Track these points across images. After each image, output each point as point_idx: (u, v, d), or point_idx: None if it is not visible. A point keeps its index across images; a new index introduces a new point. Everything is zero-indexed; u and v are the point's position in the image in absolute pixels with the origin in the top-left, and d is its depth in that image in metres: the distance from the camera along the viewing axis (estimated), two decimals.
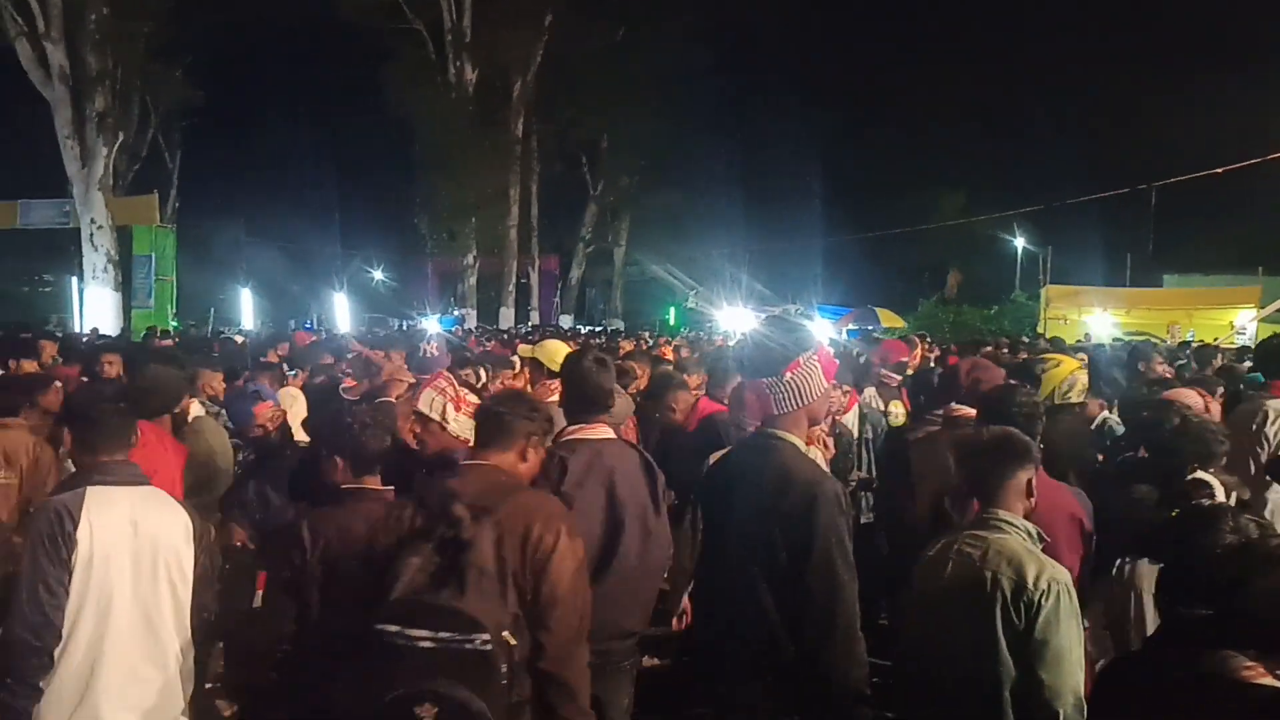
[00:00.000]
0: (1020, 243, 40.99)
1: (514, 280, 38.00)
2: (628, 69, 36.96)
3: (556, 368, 4.80)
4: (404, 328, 28.93)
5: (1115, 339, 22.45)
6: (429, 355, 8.04)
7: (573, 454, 3.65)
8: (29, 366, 7.85)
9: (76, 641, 3.05)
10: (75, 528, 3.05)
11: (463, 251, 35.60)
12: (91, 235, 23.01)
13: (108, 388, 5.71)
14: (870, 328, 29.31)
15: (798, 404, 3.06)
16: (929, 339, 17.40)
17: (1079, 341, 18.01)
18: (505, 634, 2.63)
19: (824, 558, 2.87)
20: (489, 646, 2.58)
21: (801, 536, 2.89)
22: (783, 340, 3.09)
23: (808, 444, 3.41)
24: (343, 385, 6.16)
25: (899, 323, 32.07)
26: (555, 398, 4.41)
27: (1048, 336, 18.71)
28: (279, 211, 39.32)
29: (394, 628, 2.60)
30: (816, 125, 45.27)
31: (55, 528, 3.05)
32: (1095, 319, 26.98)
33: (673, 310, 42.10)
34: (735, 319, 31.35)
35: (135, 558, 3.18)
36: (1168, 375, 7.76)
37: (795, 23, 45.37)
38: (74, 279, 25.64)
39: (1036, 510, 3.09)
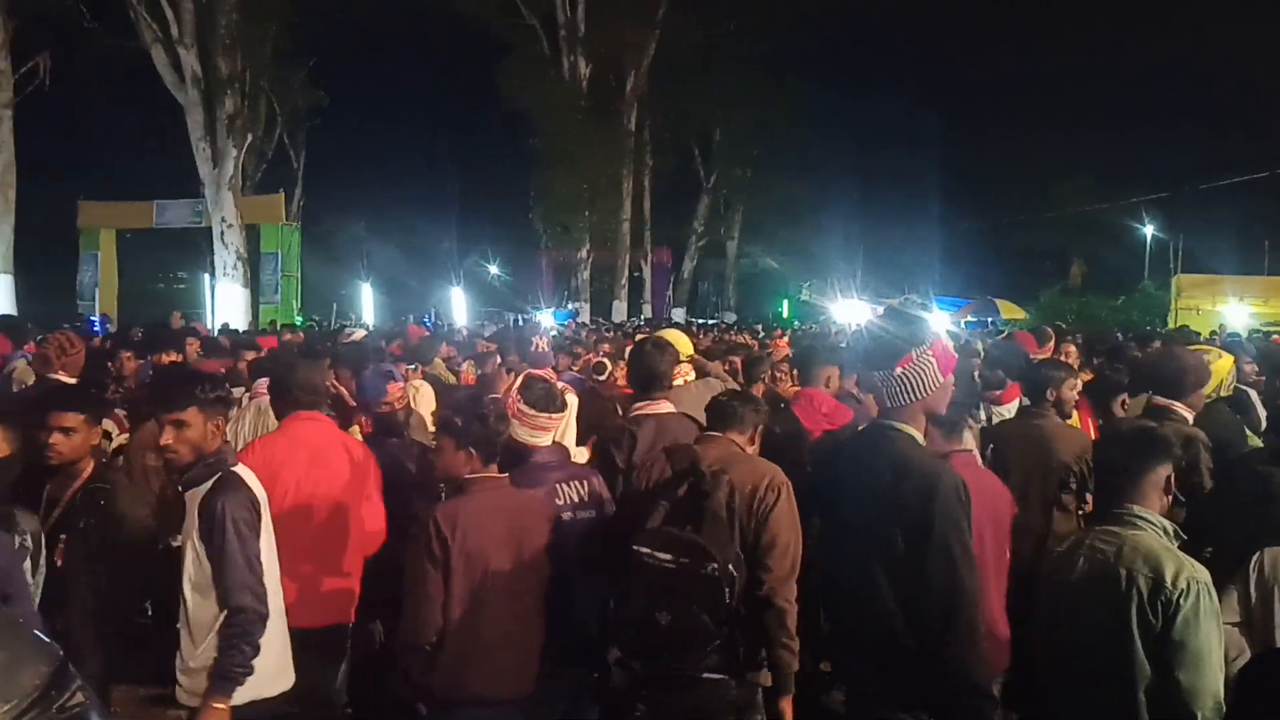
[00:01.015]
0: (1149, 229, 39.18)
1: (627, 274, 38.00)
2: (741, 59, 36.57)
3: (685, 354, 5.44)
4: (518, 322, 29.12)
5: (1253, 330, 21.17)
6: (540, 350, 7.93)
7: (639, 428, 4.40)
8: (170, 359, 7.93)
9: None
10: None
11: (576, 245, 35.74)
12: (222, 234, 23.69)
13: None
14: (990, 319, 28.39)
15: (911, 398, 3.01)
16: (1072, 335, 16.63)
17: (1214, 334, 16.98)
18: (730, 566, 3.34)
19: (942, 549, 2.83)
20: (717, 573, 3.30)
21: (919, 527, 2.85)
22: (896, 333, 3.03)
23: None
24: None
25: (1019, 314, 30.96)
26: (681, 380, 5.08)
27: (1177, 327, 17.74)
28: (398, 208, 40.06)
29: (647, 549, 3.37)
30: (934, 111, 44.15)
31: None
32: (1230, 309, 25.61)
33: (786, 303, 41.53)
34: (849, 311, 30.71)
35: None
36: None
37: (912, 7, 44.20)
38: (206, 275, 26.47)
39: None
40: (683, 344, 5.96)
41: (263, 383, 5.76)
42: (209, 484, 3.37)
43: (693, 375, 6.29)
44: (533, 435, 4.07)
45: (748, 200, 43.38)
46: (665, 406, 4.56)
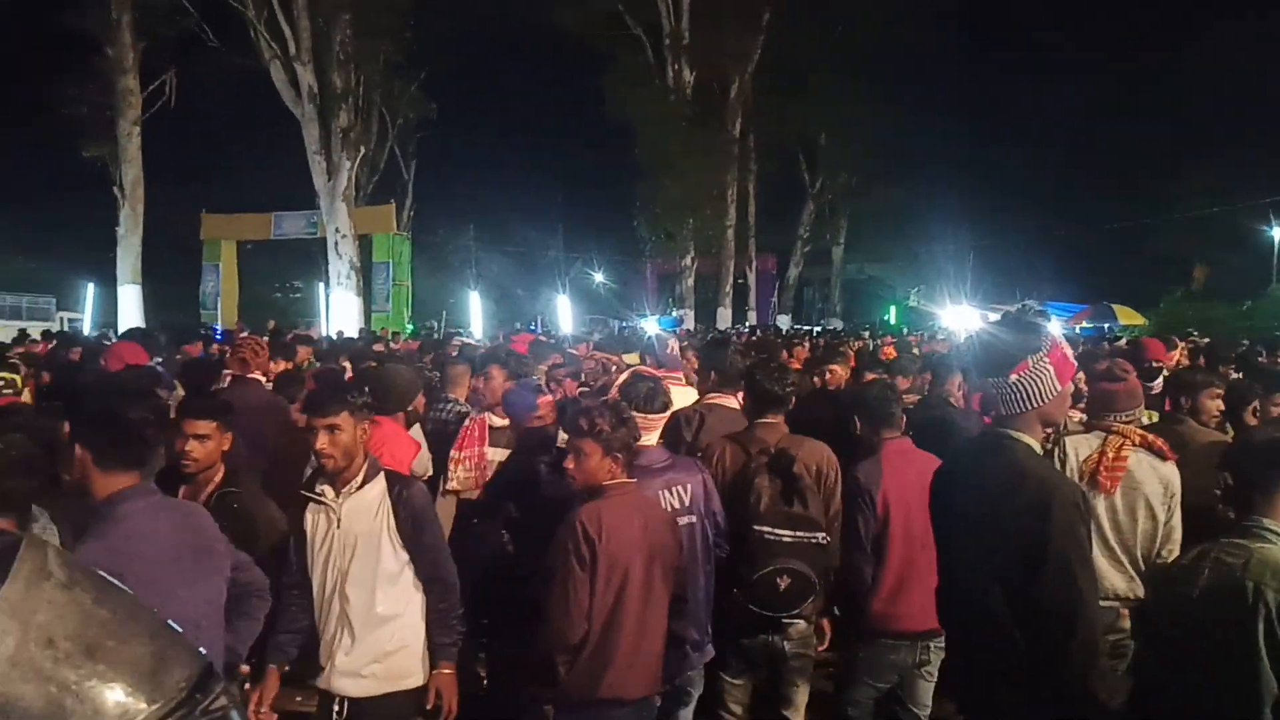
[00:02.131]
0: (1277, 232, 37.41)
1: (731, 280, 37.89)
2: (847, 63, 36.15)
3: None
4: (622, 329, 29.19)
5: None
6: (674, 353, 7.88)
7: (709, 413, 5.06)
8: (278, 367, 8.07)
9: None
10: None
11: (681, 252, 35.73)
12: (336, 244, 24.27)
13: None
14: (1106, 325, 27.44)
15: (1026, 406, 2.94)
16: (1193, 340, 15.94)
17: None
18: (827, 534, 4.10)
19: (1060, 563, 2.75)
20: (825, 540, 4.07)
21: (1035, 540, 2.77)
22: (1010, 340, 2.96)
23: None
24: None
25: (1138, 320, 29.82)
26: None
27: None
28: (505, 217, 40.64)
29: (769, 529, 4.01)
30: (1048, 111, 42.93)
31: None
32: None
33: (893, 309, 40.84)
34: (959, 318, 30.03)
35: None
36: None
37: (1024, 7, 43.10)
38: (320, 285, 27.15)
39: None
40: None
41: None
42: (378, 481, 3.56)
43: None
44: (648, 433, 4.07)
45: (853, 206, 42.87)
46: (731, 401, 5.10)
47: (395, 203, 28.79)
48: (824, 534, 4.03)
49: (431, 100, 30.49)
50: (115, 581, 0.74)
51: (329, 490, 3.56)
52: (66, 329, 18.28)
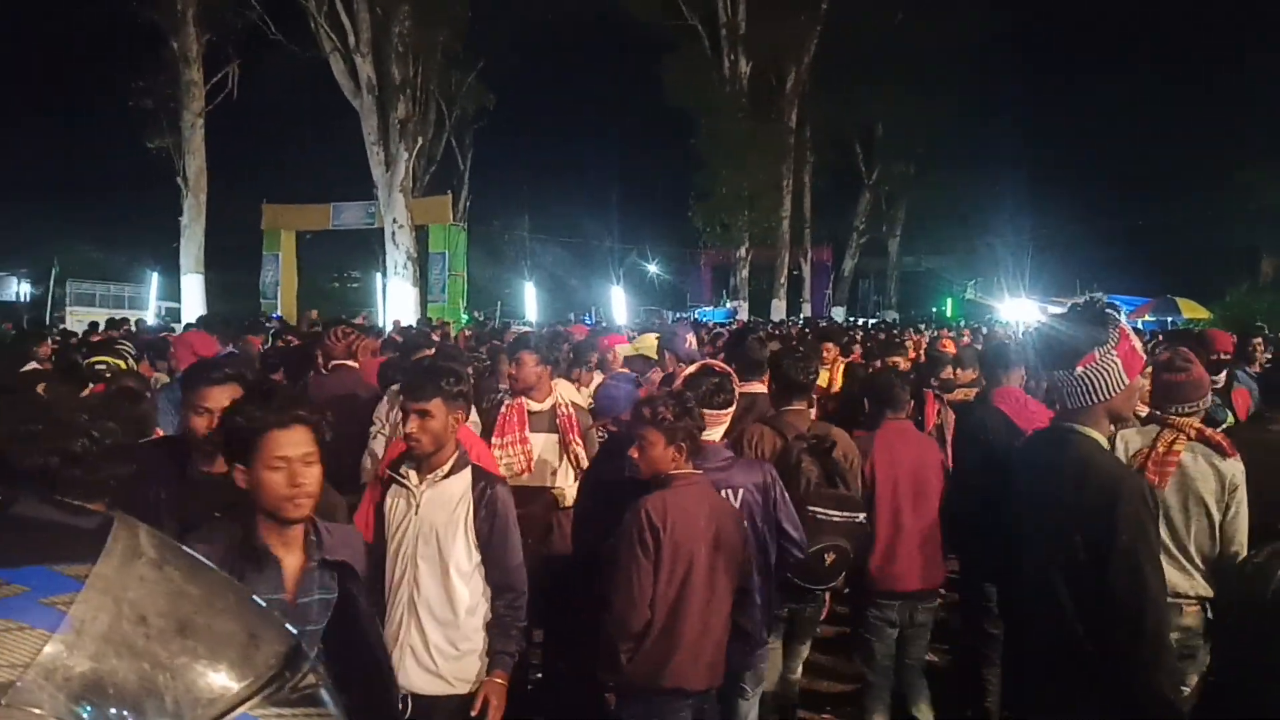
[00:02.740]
0: None
1: (786, 272, 37.67)
2: (906, 53, 35.74)
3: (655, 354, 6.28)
4: (676, 320, 29.16)
5: None
6: (691, 347, 7.92)
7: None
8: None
9: None
10: None
11: (736, 244, 35.61)
12: (393, 234, 24.49)
13: None
14: (1170, 319, 26.92)
15: (1093, 399, 2.93)
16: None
17: None
18: (867, 514, 4.52)
19: (1127, 557, 2.74)
20: (865, 520, 4.48)
21: (1102, 534, 2.77)
22: (1077, 332, 2.96)
23: None
24: None
25: (1203, 313, 29.15)
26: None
27: None
28: (561, 208, 40.75)
29: (820, 509, 4.29)
30: (1108, 100, 41.98)
31: None
32: None
33: (950, 301, 40.36)
34: (1017, 310, 29.64)
35: None
36: None
37: None
38: (378, 275, 27.43)
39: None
40: (649, 346, 6.53)
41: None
42: (464, 474, 3.58)
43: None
44: (711, 429, 4.07)
45: (910, 197, 42.41)
46: (759, 387, 5.25)
47: (452, 193, 28.96)
48: (864, 514, 4.44)
49: (489, 91, 30.62)
50: (204, 560, 0.73)
51: (413, 475, 3.57)
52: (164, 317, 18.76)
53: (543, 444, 5.32)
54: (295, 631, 0.73)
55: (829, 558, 4.26)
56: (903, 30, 35.31)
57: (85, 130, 32.63)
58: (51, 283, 20.61)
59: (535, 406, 5.37)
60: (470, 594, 3.53)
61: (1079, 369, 2.92)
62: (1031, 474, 3.10)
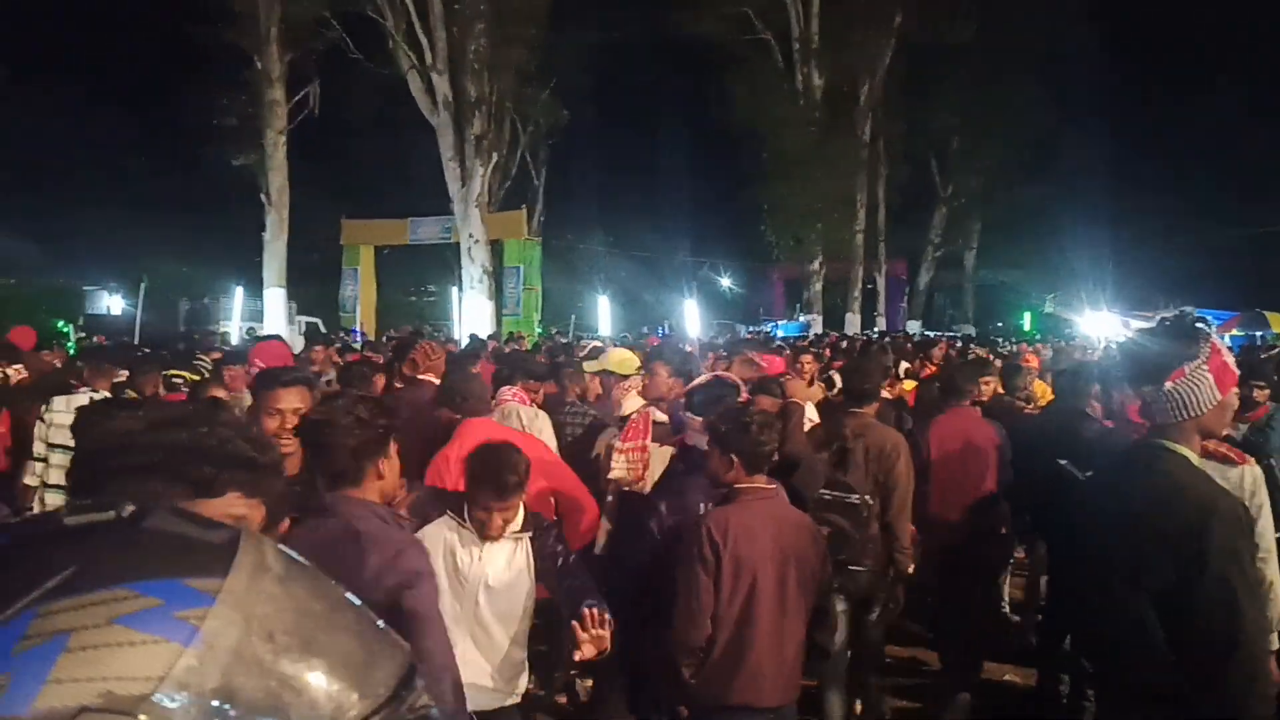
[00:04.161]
0: None
1: (860, 286, 37.35)
2: (981, 65, 35.28)
3: (627, 372, 6.30)
4: (750, 334, 29.06)
5: None
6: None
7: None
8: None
9: None
10: None
11: (809, 258, 35.39)
12: (469, 249, 24.78)
13: None
14: (1260, 333, 26.07)
15: (1183, 415, 2.85)
16: None
17: None
18: (866, 497, 5.11)
19: (1219, 582, 2.65)
20: (858, 501, 5.07)
21: (1193, 556, 2.68)
22: (1166, 347, 2.89)
23: None
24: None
25: None
26: (632, 395, 5.77)
27: None
28: (634, 222, 40.88)
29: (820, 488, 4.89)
30: (1193, 110, 40.88)
31: None
32: None
33: (1028, 315, 39.53)
34: (1099, 324, 28.99)
35: None
36: None
37: (1167, 4, 41.19)
38: (454, 289, 27.76)
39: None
40: (630, 362, 6.56)
41: (506, 390, 5.99)
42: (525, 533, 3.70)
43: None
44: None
45: (987, 210, 41.76)
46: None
47: (526, 208, 29.25)
48: (858, 496, 5.07)
49: (562, 107, 30.88)
50: (324, 575, 0.74)
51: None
52: (304, 331, 19.30)
53: (659, 455, 5.35)
54: (410, 651, 0.73)
55: (825, 530, 4.63)
56: (979, 42, 34.89)
57: (172, 148, 33.58)
58: (140, 297, 21.18)
59: (661, 417, 5.40)
60: (526, 622, 3.59)
61: (1168, 384, 2.84)
62: (1117, 492, 3.03)
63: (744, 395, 4.91)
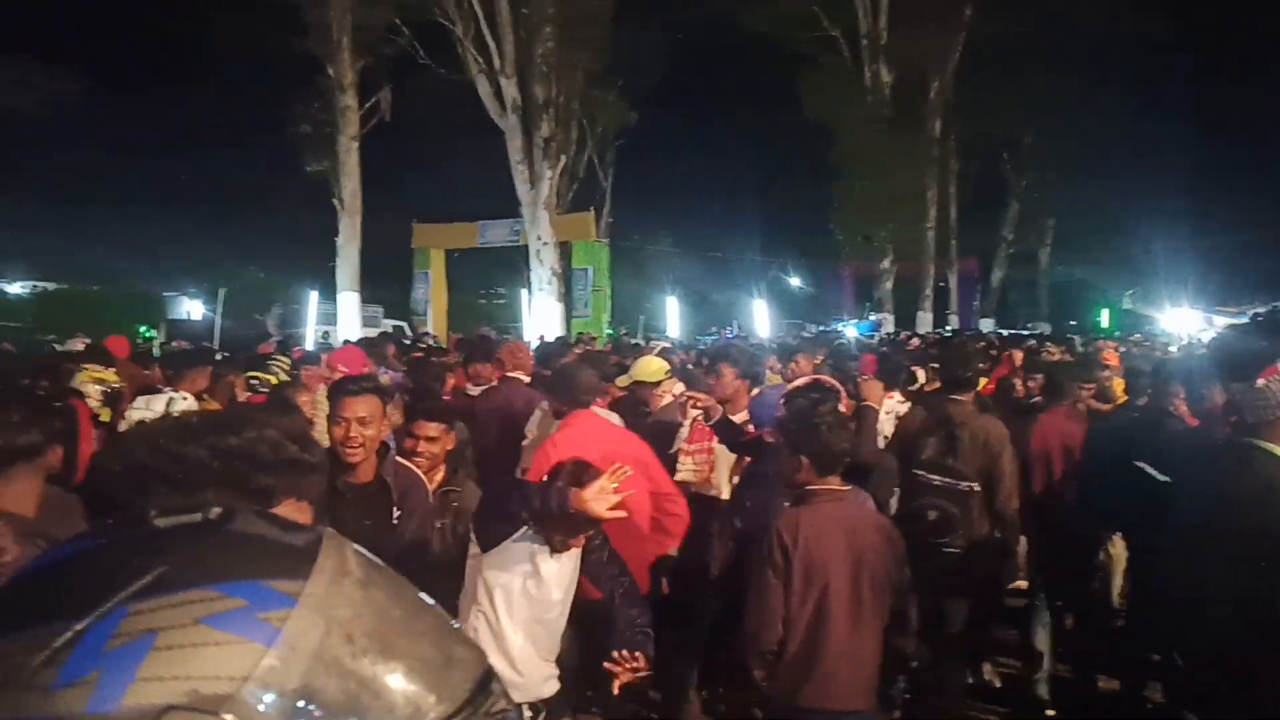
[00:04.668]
0: None
1: (931, 283, 36.88)
2: (1054, 56, 34.58)
3: (657, 379, 6.40)
4: (820, 333, 28.84)
5: None
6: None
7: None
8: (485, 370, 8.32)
9: None
10: None
11: (879, 256, 35.04)
12: (538, 251, 24.95)
13: None
14: None
15: (1275, 413, 2.79)
16: None
17: None
18: (974, 484, 5.15)
19: None
20: (968, 488, 5.10)
21: None
22: (1257, 343, 2.88)
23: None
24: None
25: None
26: (667, 401, 6.17)
27: None
28: (702, 222, 40.84)
29: (923, 473, 5.13)
30: (1267, 101, 39.54)
31: None
32: None
33: (1105, 312, 38.64)
34: (1180, 320, 28.29)
35: None
36: None
37: None
38: (523, 291, 27.97)
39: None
40: (658, 370, 6.56)
41: None
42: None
43: (679, 388, 6.76)
44: None
45: (1062, 205, 40.92)
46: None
47: (594, 210, 29.35)
48: (968, 483, 5.15)
49: (629, 108, 30.93)
50: (403, 579, 0.74)
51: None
52: (389, 333, 19.72)
53: (724, 455, 5.37)
54: (486, 655, 0.73)
55: (931, 515, 5.05)
56: (1051, 33, 34.22)
57: (249, 155, 34.40)
58: (219, 303, 21.69)
59: (732, 418, 5.40)
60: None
61: (1260, 381, 2.78)
62: (1207, 493, 2.98)
63: (845, 400, 4.92)
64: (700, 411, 5.24)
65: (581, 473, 3.41)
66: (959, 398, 5.55)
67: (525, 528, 3.43)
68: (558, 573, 3.54)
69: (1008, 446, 5.31)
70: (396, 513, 3.73)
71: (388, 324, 27.97)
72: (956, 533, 5.12)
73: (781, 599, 3.45)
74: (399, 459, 4.01)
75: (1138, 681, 5.62)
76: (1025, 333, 31.35)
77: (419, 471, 4.02)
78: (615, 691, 3.32)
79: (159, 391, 6.36)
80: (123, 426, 6.04)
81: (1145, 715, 5.36)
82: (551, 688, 3.65)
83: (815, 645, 3.46)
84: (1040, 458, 6.07)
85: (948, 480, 5.13)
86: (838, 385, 5.07)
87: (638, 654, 3.29)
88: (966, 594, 5.44)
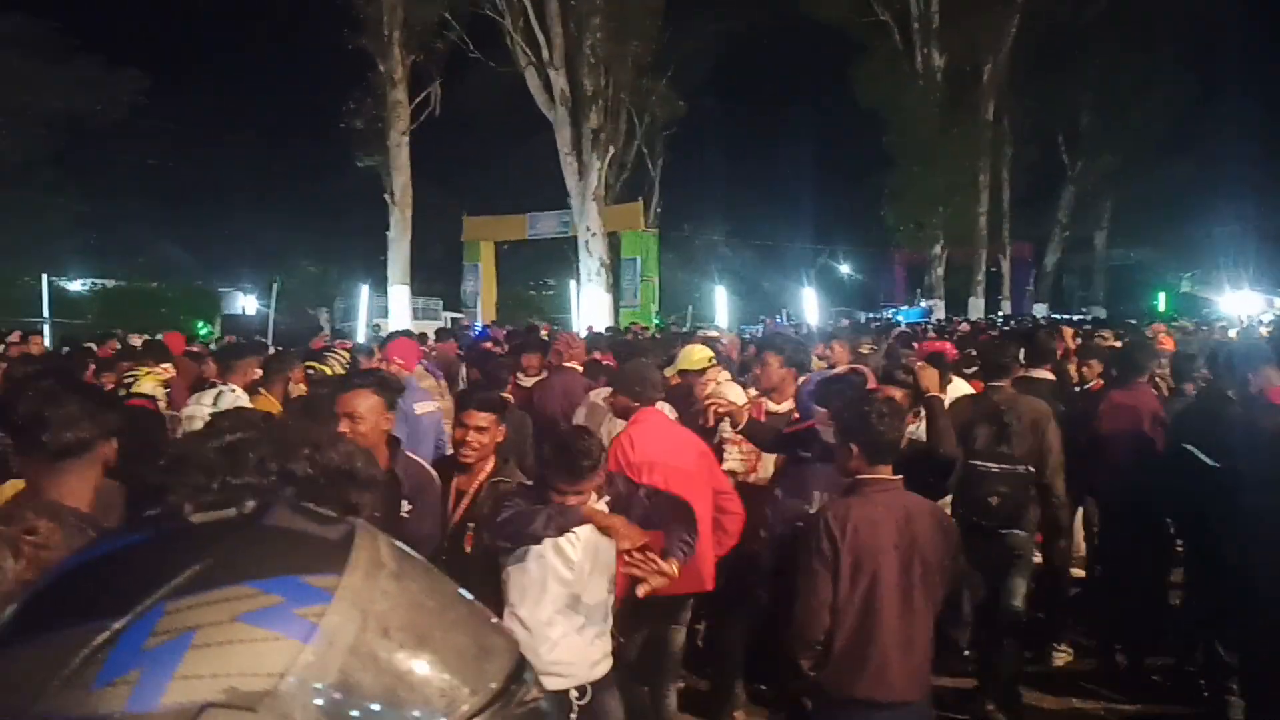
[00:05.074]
0: None
1: (984, 269, 36.43)
2: (1111, 36, 33.90)
3: (701, 367, 6.43)
4: (869, 320, 28.60)
5: None
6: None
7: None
8: (535, 360, 8.37)
9: None
10: None
11: (930, 242, 34.68)
12: (587, 242, 25.02)
13: None
14: None
15: None
16: None
17: None
18: (1029, 466, 5.29)
19: None
20: (1024, 470, 5.27)
21: None
22: None
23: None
24: None
25: None
26: (710, 387, 6.14)
27: None
28: (751, 211, 40.58)
29: (980, 462, 5.25)
30: None
31: None
32: None
33: (1163, 296, 37.85)
34: (1240, 304, 27.65)
35: None
36: None
37: None
38: (572, 282, 28.07)
39: None
40: (702, 357, 6.60)
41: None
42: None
43: (725, 376, 6.80)
44: (826, 432, 4.08)
45: (1118, 188, 40.16)
46: (1044, 373, 6.64)
47: (643, 200, 29.36)
48: (1024, 466, 5.28)
49: (678, 98, 30.87)
50: (436, 570, 0.74)
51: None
52: (448, 326, 19.97)
53: None
54: (519, 645, 0.73)
55: (993, 500, 5.25)
56: (1107, 11, 33.55)
57: (302, 151, 34.80)
58: (273, 298, 21.99)
59: (774, 408, 5.39)
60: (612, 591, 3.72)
61: None
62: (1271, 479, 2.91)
63: (873, 384, 4.85)
64: (726, 418, 5.05)
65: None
66: (998, 384, 5.64)
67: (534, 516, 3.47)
68: (581, 546, 3.58)
69: (1051, 424, 5.40)
70: (407, 506, 3.78)
71: (447, 316, 28.20)
72: (1019, 516, 5.33)
73: (829, 589, 3.42)
74: (410, 455, 4.05)
75: (1191, 666, 5.60)
76: (1079, 318, 30.88)
77: (433, 472, 4.08)
78: (640, 595, 3.39)
79: (212, 386, 6.42)
80: (180, 425, 6.10)
81: (1197, 699, 5.32)
82: (603, 669, 3.67)
83: (866, 636, 3.42)
84: (1112, 435, 6.08)
85: (1004, 466, 5.28)
86: (865, 371, 5.03)
87: (652, 555, 3.36)
88: (1029, 576, 5.51)
